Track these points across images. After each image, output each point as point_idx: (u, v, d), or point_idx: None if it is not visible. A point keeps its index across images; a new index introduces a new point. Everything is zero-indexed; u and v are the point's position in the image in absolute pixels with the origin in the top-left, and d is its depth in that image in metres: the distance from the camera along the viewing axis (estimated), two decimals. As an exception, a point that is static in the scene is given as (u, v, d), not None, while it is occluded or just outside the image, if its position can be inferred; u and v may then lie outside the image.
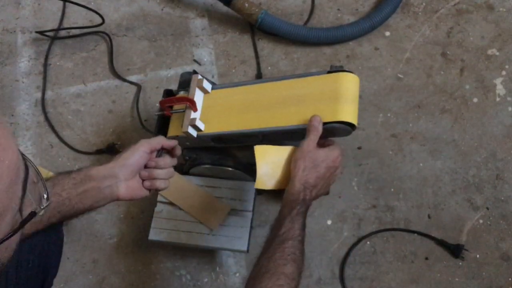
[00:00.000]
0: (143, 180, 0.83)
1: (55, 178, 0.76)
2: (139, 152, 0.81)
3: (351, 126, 0.84)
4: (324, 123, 0.82)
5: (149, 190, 0.83)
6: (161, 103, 0.94)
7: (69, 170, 0.79)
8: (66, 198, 0.74)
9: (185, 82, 1.01)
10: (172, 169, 0.85)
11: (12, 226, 0.46)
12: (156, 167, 0.83)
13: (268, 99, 0.90)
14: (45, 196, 0.52)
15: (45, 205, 0.51)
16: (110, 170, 0.79)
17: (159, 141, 0.83)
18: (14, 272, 0.87)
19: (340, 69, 0.87)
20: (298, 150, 0.81)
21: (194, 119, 0.91)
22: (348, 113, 0.83)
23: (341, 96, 0.83)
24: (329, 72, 0.88)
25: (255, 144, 0.88)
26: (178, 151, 0.87)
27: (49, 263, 0.99)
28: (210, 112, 0.94)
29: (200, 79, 0.94)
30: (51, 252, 1.01)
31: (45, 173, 1.19)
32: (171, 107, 0.96)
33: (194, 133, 0.92)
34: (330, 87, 0.85)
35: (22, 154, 0.47)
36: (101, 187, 0.77)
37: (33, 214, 0.49)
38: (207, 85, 0.95)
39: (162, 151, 0.85)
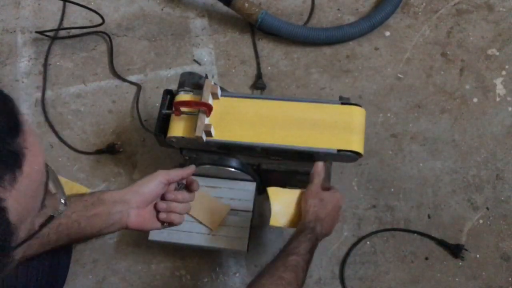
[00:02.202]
0: (157, 212, 0.82)
1: (67, 200, 0.76)
2: (155, 182, 0.80)
3: (359, 155, 0.94)
4: (338, 150, 0.91)
5: (162, 223, 0.82)
6: (175, 104, 0.94)
7: (82, 193, 0.78)
8: (75, 221, 0.73)
9: (185, 82, 1.01)
10: (188, 205, 0.85)
11: (29, 230, 0.48)
12: (174, 201, 0.82)
13: (283, 117, 0.95)
14: (63, 201, 0.53)
15: (62, 209, 0.53)
16: (122, 196, 0.78)
17: (178, 173, 0.82)
18: (24, 286, 0.87)
19: (350, 102, 0.96)
20: (308, 191, 0.88)
21: (209, 125, 0.92)
22: (359, 144, 0.93)
23: (354, 128, 0.93)
24: (342, 103, 0.96)
25: (258, 156, 0.97)
26: (196, 186, 0.86)
27: (57, 277, 0.99)
28: (220, 119, 0.95)
29: (214, 85, 0.95)
30: (60, 266, 1.01)
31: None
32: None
33: (205, 138, 0.93)
34: (343, 117, 0.94)
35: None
36: (111, 212, 0.76)
37: (51, 218, 0.52)
38: (219, 92, 0.96)
39: (182, 184, 0.84)
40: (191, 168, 0.85)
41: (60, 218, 0.71)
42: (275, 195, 0.90)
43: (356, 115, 0.95)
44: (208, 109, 0.93)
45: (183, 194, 0.84)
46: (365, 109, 0.97)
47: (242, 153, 0.99)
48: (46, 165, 0.48)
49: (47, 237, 0.71)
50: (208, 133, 0.93)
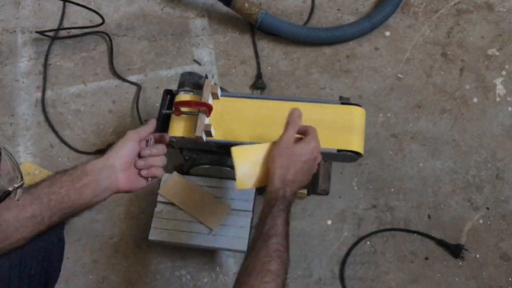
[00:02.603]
0: (139, 170, 0.84)
1: (53, 177, 0.76)
2: (130, 142, 0.81)
3: (360, 155, 0.93)
4: (338, 150, 0.91)
5: (147, 179, 0.84)
6: (175, 104, 0.94)
7: (66, 169, 0.79)
8: (65, 195, 0.74)
9: (185, 82, 1.01)
10: (164, 157, 0.87)
11: None
12: (150, 155, 0.84)
13: (282, 117, 0.93)
14: (19, 176, 0.54)
15: (18, 184, 0.54)
16: (106, 162, 0.79)
17: (145, 129, 0.85)
18: (17, 277, 0.88)
19: (350, 102, 0.96)
20: (275, 146, 0.82)
21: (209, 125, 0.92)
22: (359, 144, 0.93)
23: (354, 128, 0.93)
24: (342, 103, 0.96)
25: None
26: (167, 138, 0.89)
27: (51, 269, 0.99)
28: (220, 119, 0.95)
29: (214, 85, 0.96)
30: (53, 258, 1.01)
31: (45, 173, 1.19)
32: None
33: (205, 138, 0.93)
34: (343, 117, 0.94)
35: None
36: (99, 180, 0.77)
37: (7, 193, 0.53)
38: (219, 92, 0.96)
39: (151, 139, 0.86)
40: (152, 122, 0.87)
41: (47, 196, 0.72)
42: (240, 155, 0.84)
43: (356, 115, 0.95)
44: (208, 109, 0.93)
45: (157, 148, 0.86)
46: (365, 109, 0.97)
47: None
48: (4, 149, 0.48)
49: (40, 215, 0.72)
50: (208, 133, 0.93)
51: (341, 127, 0.93)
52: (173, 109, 0.95)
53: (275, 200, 0.78)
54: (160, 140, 0.87)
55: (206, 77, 0.99)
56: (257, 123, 0.95)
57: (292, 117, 0.84)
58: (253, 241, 0.77)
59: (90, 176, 0.77)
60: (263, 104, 0.97)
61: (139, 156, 0.84)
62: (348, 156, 0.93)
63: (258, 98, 1.00)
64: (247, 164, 0.84)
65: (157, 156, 0.84)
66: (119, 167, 0.80)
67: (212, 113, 0.95)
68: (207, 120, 0.94)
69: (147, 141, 0.86)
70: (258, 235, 0.77)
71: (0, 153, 0.50)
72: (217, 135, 0.94)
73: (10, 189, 0.53)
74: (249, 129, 0.94)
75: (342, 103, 0.96)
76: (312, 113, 0.95)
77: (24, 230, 0.71)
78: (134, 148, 0.82)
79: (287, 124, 0.83)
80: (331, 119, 0.94)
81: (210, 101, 0.95)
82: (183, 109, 0.95)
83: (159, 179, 0.87)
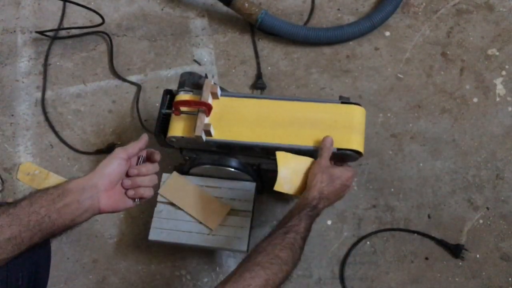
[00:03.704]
0: (126, 190, 0.81)
1: (33, 196, 0.74)
2: (116, 160, 0.78)
3: (360, 154, 0.93)
4: (338, 149, 0.91)
5: (134, 200, 0.81)
6: (175, 103, 0.94)
7: (46, 187, 0.76)
8: (45, 215, 0.72)
9: (185, 82, 1.01)
10: (155, 176, 0.84)
11: None
12: (138, 175, 0.81)
13: (282, 117, 0.95)
14: None
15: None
16: (88, 181, 0.76)
17: (134, 146, 0.81)
18: None
19: (350, 101, 0.96)
20: (316, 164, 0.87)
21: (209, 124, 0.92)
22: (359, 143, 0.93)
23: (354, 127, 0.93)
24: (342, 102, 0.96)
25: (258, 156, 0.97)
26: (157, 156, 0.85)
27: (38, 278, 0.98)
28: (219, 119, 0.95)
29: (214, 85, 0.95)
30: (40, 267, 1.00)
31: (45, 173, 1.19)
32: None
33: (204, 137, 0.93)
34: (343, 117, 0.94)
35: None
36: (80, 200, 0.75)
37: None
38: (219, 92, 0.96)
39: (142, 157, 0.84)
40: (144, 137, 0.84)
41: (28, 215, 0.71)
42: (284, 159, 0.88)
43: (356, 114, 0.95)
44: (208, 109, 0.93)
45: (146, 167, 0.83)
46: (365, 109, 0.97)
47: (242, 152, 0.99)
48: None
49: (20, 236, 0.70)
50: (208, 133, 0.93)
51: (341, 126, 0.93)
52: (173, 109, 0.95)
53: (307, 205, 0.82)
54: (150, 158, 0.85)
55: (206, 77, 0.99)
56: (257, 123, 0.95)
57: (325, 144, 0.89)
58: (272, 231, 0.80)
59: (72, 195, 0.74)
60: (263, 104, 0.97)
61: (127, 174, 0.81)
62: (349, 155, 0.93)
63: (258, 98, 1.00)
64: (289, 171, 0.88)
65: (146, 176, 0.81)
66: (102, 187, 0.77)
67: (212, 113, 0.95)
68: (206, 120, 0.94)
69: (138, 158, 0.82)
70: (279, 227, 0.80)
71: None
72: (217, 135, 0.94)
73: None
74: (248, 129, 0.95)
75: (342, 102, 0.96)
76: (312, 113, 0.95)
77: (3, 252, 0.68)
78: (121, 166, 0.79)
79: (322, 149, 0.89)
80: (331, 119, 0.94)
81: (210, 101, 0.95)
82: (183, 109, 0.94)
83: (148, 199, 0.84)
